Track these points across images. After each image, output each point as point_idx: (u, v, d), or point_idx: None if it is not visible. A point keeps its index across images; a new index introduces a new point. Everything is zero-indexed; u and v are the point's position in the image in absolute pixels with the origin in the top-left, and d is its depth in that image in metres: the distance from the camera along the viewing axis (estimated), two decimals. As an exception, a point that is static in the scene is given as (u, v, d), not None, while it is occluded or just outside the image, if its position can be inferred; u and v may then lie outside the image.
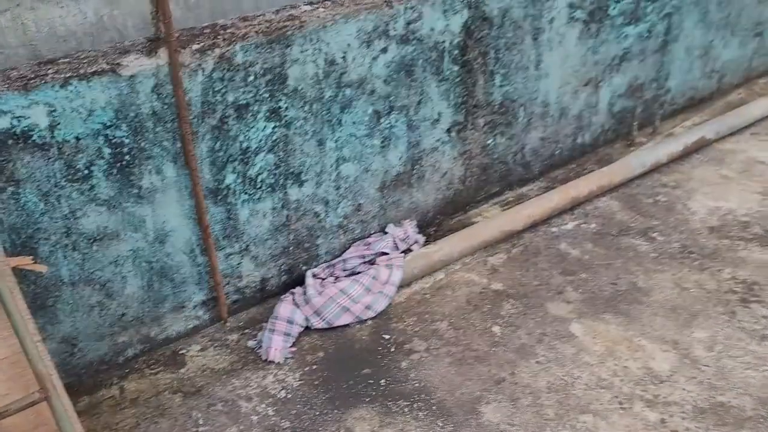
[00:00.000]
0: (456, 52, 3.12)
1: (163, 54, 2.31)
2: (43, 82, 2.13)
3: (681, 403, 2.45)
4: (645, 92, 4.14)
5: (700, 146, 4.02)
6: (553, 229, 3.46)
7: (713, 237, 3.31)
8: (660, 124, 4.29)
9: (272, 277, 3.04)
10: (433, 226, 3.52)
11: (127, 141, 2.35)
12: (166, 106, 2.38)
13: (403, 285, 3.10)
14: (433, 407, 2.50)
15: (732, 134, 4.18)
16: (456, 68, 3.16)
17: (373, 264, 3.15)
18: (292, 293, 3.01)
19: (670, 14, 3.94)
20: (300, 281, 3.10)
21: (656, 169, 3.86)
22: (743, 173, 3.82)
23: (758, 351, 2.65)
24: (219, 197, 2.69)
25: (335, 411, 2.51)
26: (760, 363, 2.59)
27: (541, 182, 3.85)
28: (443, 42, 3.05)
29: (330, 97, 2.80)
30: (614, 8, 3.64)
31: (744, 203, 3.55)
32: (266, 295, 3.07)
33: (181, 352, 2.81)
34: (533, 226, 3.45)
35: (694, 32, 4.17)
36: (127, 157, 2.38)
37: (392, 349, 2.78)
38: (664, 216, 3.50)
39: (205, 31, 2.49)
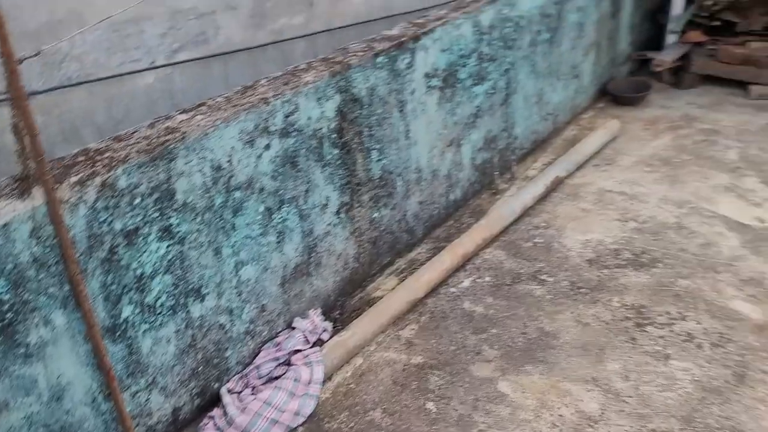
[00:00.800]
0: (334, 136, 3.12)
1: (38, 193, 2.06)
2: None
3: (619, 439, 2.57)
4: (498, 142, 4.44)
5: (556, 185, 4.36)
6: (452, 290, 3.53)
7: (594, 269, 3.58)
8: (516, 168, 4.61)
9: (184, 404, 2.77)
10: (336, 310, 3.44)
11: (6, 297, 2.04)
12: (48, 249, 2.11)
13: (325, 379, 2.97)
14: (394, 506, 2.40)
15: (578, 168, 4.59)
16: (336, 151, 3.16)
17: (288, 364, 2.99)
18: (211, 417, 2.77)
19: (507, 70, 4.28)
20: (215, 401, 2.86)
21: (526, 212, 4.12)
22: (598, 203, 4.20)
23: (666, 371, 2.87)
24: (118, 333, 2.41)
25: None
26: (671, 383, 2.81)
27: (427, 244, 3.94)
28: (321, 128, 3.05)
29: (221, 203, 2.66)
30: (463, 72, 3.87)
31: (608, 232, 3.89)
32: (180, 426, 2.79)
33: None
34: (434, 291, 3.50)
35: (528, 83, 4.56)
36: (8, 315, 2.06)
37: (333, 453, 2.65)
38: (546, 257, 3.72)
39: (79, 159, 2.26)
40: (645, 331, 3.12)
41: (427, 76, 3.62)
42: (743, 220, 3.87)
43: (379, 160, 3.45)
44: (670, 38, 5.74)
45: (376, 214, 3.55)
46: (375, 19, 3.98)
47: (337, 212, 3.28)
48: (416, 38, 3.46)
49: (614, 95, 5.54)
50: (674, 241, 3.75)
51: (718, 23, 5.69)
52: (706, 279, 3.43)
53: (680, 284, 3.41)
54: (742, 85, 5.46)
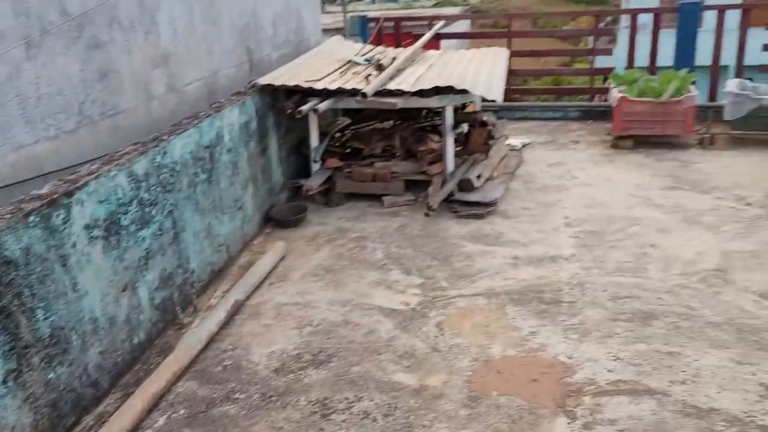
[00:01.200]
0: (-12, 302, 2.99)
1: None
2: None
3: None
4: (175, 279, 4.62)
5: (237, 308, 4.67)
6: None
7: (281, 377, 3.91)
8: (197, 300, 4.81)
9: None
10: (17, 490, 3.13)
11: None
12: None
13: None
14: None
15: (256, 290, 4.98)
16: (-7, 318, 3.02)
17: None
18: None
19: (171, 211, 4.57)
20: None
21: (212, 339, 4.31)
22: (277, 317, 4.61)
23: (351, 448, 3.28)
24: None
25: None
26: (357, 456, 3.22)
27: (115, 393, 3.85)
28: (-29, 297, 2.90)
29: None
30: (125, 219, 4.04)
31: (289, 340, 4.30)
32: None
33: None
34: (128, 438, 3.44)
35: (194, 220, 4.89)
36: None
37: None
38: (237, 376, 3.95)
39: None
40: (330, 419, 3.51)
41: (88, 227, 3.70)
42: (393, 306, 4.65)
43: (46, 318, 3.36)
44: (315, 166, 6.70)
45: (51, 375, 3.39)
46: (22, 181, 3.93)
47: (4, 382, 3.08)
48: (69, 193, 3.55)
49: (277, 220, 6.20)
50: (344, 336, 4.31)
51: (349, 150, 6.84)
52: (372, 361, 4.01)
53: (353, 371, 3.93)
54: (377, 197, 6.58)
